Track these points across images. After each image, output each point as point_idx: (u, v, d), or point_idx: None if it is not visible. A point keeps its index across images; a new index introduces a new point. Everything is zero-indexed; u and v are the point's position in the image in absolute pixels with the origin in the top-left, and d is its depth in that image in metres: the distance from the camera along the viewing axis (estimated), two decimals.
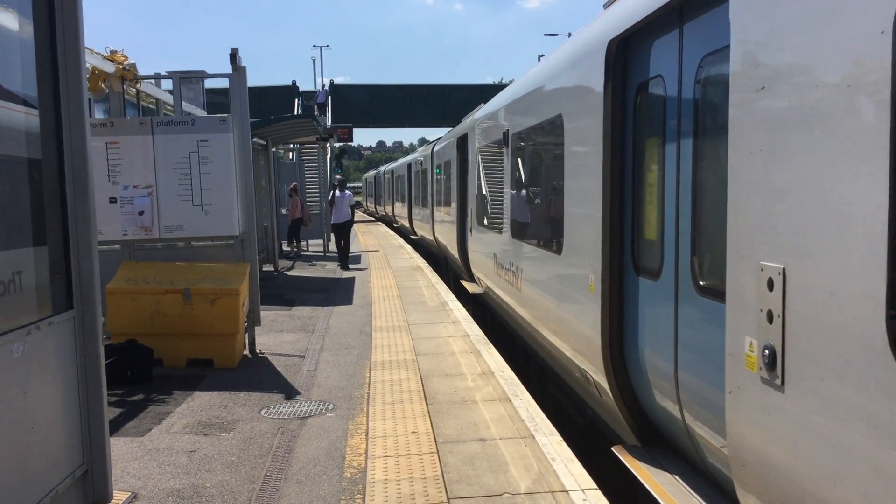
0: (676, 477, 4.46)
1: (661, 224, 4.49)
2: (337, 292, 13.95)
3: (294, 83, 43.67)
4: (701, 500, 4.07)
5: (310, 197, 22.49)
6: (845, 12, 2.54)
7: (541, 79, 7.44)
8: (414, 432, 5.84)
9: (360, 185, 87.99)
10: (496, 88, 10.78)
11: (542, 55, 19.39)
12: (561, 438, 5.71)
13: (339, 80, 51.03)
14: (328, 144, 25.19)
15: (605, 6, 5.79)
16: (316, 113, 37.41)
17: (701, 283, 3.98)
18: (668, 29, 4.43)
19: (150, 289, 7.95)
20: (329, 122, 39.55)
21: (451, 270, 17.85)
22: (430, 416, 6.21)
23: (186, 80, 13.97)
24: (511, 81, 12.58)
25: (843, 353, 2.55)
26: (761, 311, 3.03)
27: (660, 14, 4.37)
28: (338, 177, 23.08)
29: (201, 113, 10.96)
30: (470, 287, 13.04)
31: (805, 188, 2.75)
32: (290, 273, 17.38)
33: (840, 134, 2.56)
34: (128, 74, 8.21)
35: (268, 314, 11.34)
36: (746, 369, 3.17)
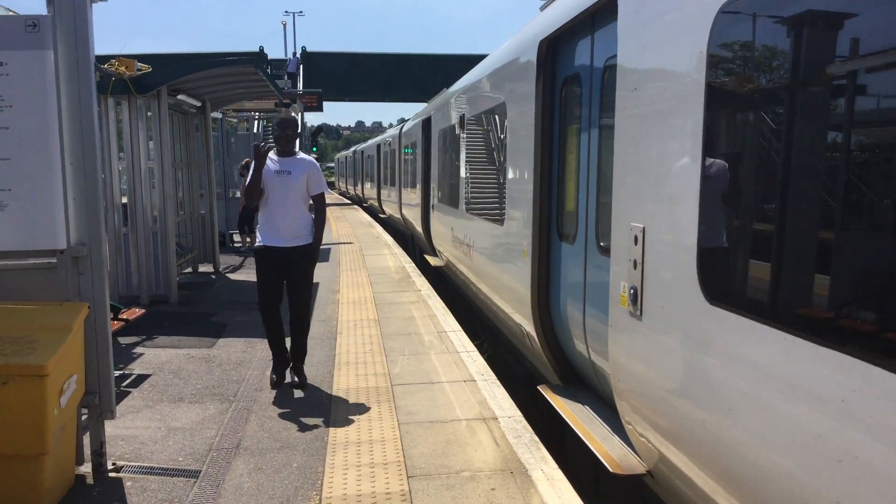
0: (586, 406, 5.43)
1: (577, 197, 5.41)
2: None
3: (261, 49, 36.21)
4: (600, 421, 5.04)
5: None
6: (678, 38, 3.46)
7: (490, 70, 8.31)
8: None
9: (333, 164, 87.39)
10: None
11: None
12: None
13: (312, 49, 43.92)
14: (291, 112, 20.30)
15: (541, 8, 6.66)
16: (286, 80, 33.21)
17: (601, 243, 4.92)
18: (584, 34, 5.33)
19: None
20: (300, 88, 33.83)
21: (417, 246, 18.76)
22: None
23: None
24: None
25: (672, 288, 3.49)
26: (630, 260, 3.97)
27: (578, 20, 5.26)
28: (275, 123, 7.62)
29: None
30: (432, 261, 13.96)
31: (655, 167, 3.68)
32: (233, 276, 12.91)
33: (673, 128, 3.49)
34: None
35: (174, 355, 7.49)
36: (621, 307, 4.11)
